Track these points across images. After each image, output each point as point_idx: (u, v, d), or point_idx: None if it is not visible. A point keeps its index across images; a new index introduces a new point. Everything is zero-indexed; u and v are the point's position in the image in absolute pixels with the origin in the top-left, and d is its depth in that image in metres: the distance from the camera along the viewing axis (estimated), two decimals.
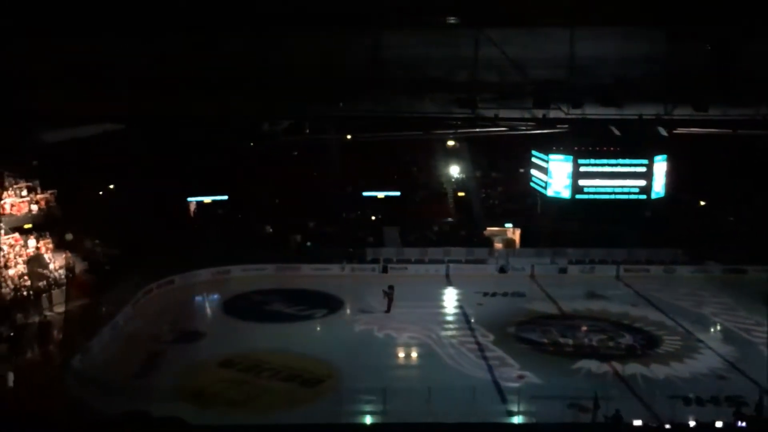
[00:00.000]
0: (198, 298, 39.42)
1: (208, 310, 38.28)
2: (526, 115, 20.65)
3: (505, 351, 30.86)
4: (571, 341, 32.21)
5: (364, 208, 49.31)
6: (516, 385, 26.76)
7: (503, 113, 20.43)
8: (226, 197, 48.26)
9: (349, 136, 42.43)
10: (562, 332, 33.36)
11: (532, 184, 29.21)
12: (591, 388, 24.57)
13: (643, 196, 25.27)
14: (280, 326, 34.54)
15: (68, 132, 35.96)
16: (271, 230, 46.42)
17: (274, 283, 41.45)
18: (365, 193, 49.96)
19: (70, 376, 26.03)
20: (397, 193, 50.34)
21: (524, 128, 23.48)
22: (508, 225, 48.33)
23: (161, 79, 18.20)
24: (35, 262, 35.04)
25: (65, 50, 17.41)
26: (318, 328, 34.75)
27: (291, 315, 36.29)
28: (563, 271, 44.46)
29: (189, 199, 47.74)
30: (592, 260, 45.17)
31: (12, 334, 29.03)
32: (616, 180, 25.47)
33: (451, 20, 18.26)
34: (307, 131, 29.64)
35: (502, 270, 44.19)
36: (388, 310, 35.86)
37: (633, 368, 28.81)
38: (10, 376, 25.16)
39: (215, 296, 39.61)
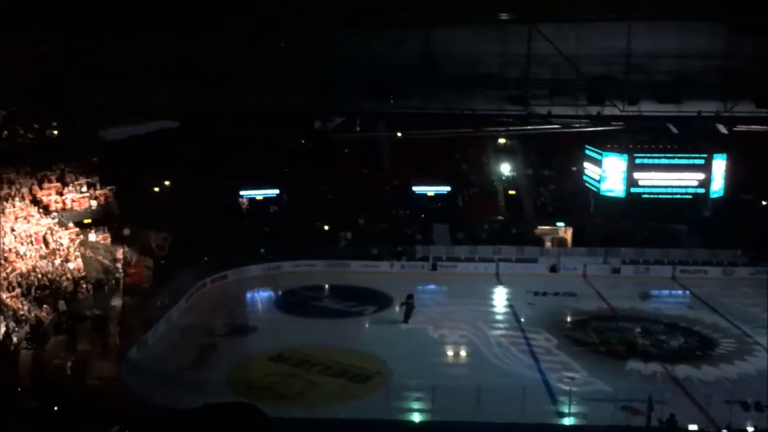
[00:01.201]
0: (250, 293, 40.01)
1: (260, 305, 38.83)
2: (580, 112, 20.29)
3: (556, 351, 30.47)
4: (623, 342, 31.56)
5: (414, 205, 49.22)
6: (567, 386, 26.38)
7: (556, 110, 20.11)
8: (276, 192, 48.78)
9: (399, 134, 42.37)
10: (615, 333, 32.73)
11: (585, 182, 28.75)
12: (644, 391, 24.07)
13: (702, 190, 24.59)
14: (330, 322, 34.82)
15: (126, 130, 36.97)
16: (326, 228, 46.38)
17: (323, 279, 41.79)
18: (416, 189, 49.83)
19: (127, 368, 26.76)
20: (447, 190, 50.08)
21: (578, 125, 23.06)
22: (560, 224, 47.65)
23: (217, 76, 18.52)
24: (91, 249, 35.92)
25: (126, 47, 17.87)
26: (367, 325, 34.89)
27: (341, 311, 36.54)
28: (616, 271, 43.59)
29: (241, 194, 48.39)
30: (646, 261, 44.14)
31: (71, 325, 29.97)
32: (672, 178, 24.90)
33: (503, 16, 18.10)
34: (358, 128, 29.69)
35: (554, 269, 43.58)
36: (405, 321, 33.73)
37: (687, 371, 28.13)
38: (69, 367, 26.05)
39: (266, 291, 40.15)
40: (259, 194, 48.82)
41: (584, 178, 28.79)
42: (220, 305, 36.35)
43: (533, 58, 18.10)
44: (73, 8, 15.47)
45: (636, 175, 25.01)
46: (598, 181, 26.52)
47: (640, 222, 45.75)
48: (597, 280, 42.12)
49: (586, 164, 28.63)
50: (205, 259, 39.61)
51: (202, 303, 36.81)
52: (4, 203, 36.59)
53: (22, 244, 34.56)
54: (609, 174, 25.81)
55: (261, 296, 39.82)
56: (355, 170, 51.11)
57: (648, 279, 42.49)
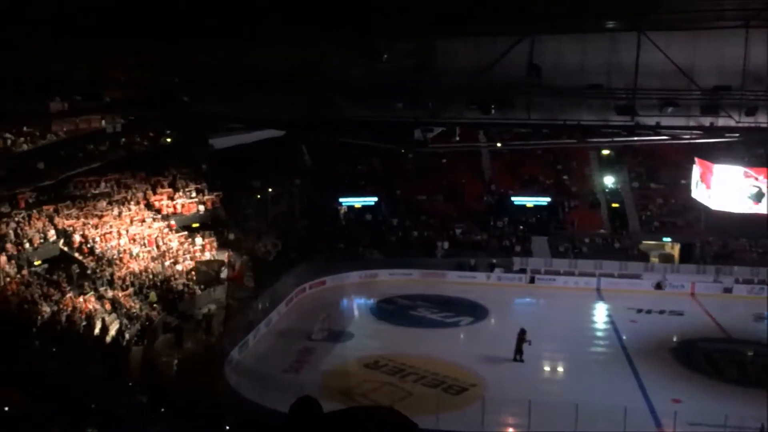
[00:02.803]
0: (347, 300, 40.59)
1: (356, 312, 39.32)
2: (691, 123, 19.43)
3: (660, 372, 29.18)
4: (734, 365, 29.86)
5: (513, 216, 48.56)
6: (672, 409, 25.19)
7: (665, 121, 19.35)
8: (374, 200, 49.30)
9: (499, 144, 41.99)
10: (725, 355, 31.01)
11: (694, 196, 27.45)
12: (755, 418, 22.65)
13: None
14: (426, 331, 34.79)
15: (234, 138, 38.41)
16: (445, 246, 45.98)
17: (419, 288, 41.83)
18: (515, 200, 49.16)
19: (229, 367, 27.71)
20: (547, 201, 49.11)
21: (688, 137, 22.07)
22: (667, 239, 45.76)
23: (324, 86, 18.97)
24: (206, 265, 37.44)
25: (238, 58, 18.61)
26: (462, 336, 34.64)
27: (436, 321, 36.46)
28: (728, 290, 41.31)
29: (340, 201, 49.22)
30: (762, 280, 41.61)
31: (179, 324, 31.38)
32: None
33: (610, 24, 17.63)
34: (457, 138, 29.62)
35: (659, 286, 41.80)
36: (517, 358, 29.76)
37: None
38: (176, 364, 27.28)
39: (363, 298, 40.61)
40: (357, 202, 49.50)
41: (694, 192, 27.51)
42: (317, 310, 37.07)
43: (642, 68, 17.51)
44: (189, 21, 16.24)
45: (751, 195, 23.66)
46: (709, 196, 25.26)
47: (755, 239, 43.29)
48: (706, 299, 40.07)
49: (695, 177, 27.35)
50: (306, 264, 40.54)
51: (300, 307, 37.67)
52: (121, 207, 38.84)
53: (136, 245, 36.53)
54: (721, 188, 24.54)
55: (358, 303, 40.32)
56: (454, 180, 51.01)
57: (763, 300, 40.00)
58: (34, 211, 34.69)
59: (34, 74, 21.65)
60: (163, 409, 19.27)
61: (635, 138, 23.68)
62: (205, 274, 36.24)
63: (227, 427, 19.39)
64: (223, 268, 37.30)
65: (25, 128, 33.75)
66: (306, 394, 4.45)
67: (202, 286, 35.63)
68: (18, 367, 19.55)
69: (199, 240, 39.68)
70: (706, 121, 19.03)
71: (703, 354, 31.36)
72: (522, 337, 29.72)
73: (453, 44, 17.85)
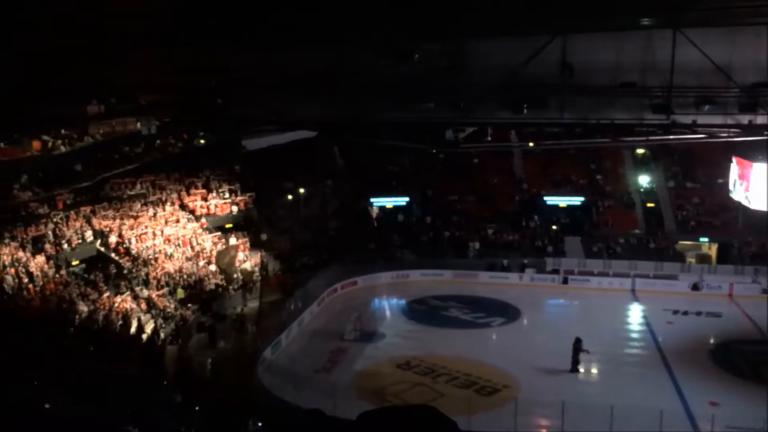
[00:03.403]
0: (379, 300, 40.65)
1: (388, 312, 39.35)
2: (729, 121, 19.05)
3: (697, 374, 28.70)
4: None
5: (545, 216, 48.14)
6: (709, 412, 24.74)
7: (702, 119, 19.00)
8: (405, 200, 49.26)
9: (531, 143, 41.66)
10: (764, 358, 30.34)
11: (732, 195, 26.95)
12: None
13: None
14: (458, 332, 34.68)
15: (267, 139, 38.74)
16: (477, 246, 45.62)
17: (451, 288, 41.69)
18: (547, 200, 48.72)
19: (262, 367, 27.94)
20: (580, 201, 48.57)
21: (726, 135, 21.64)
22: (704, 239, 44.96)
23: (354, 86, 19.01)
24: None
25: (272, 61, 18.75)
26: (495, 337, 34.46)
27: (468, 321, 36.32)
28: (767, 291, 40.45)
29: (372, 201, 49.27)
30: None
31: (212, 324, 31.73)
32: None
33: (645, 21, 17.36)
34: (489, 138, 29.47)
35: (696, 287, 41.06)
36: (574, 369, 28.54)
37: None
38: (209, 364, 27.57)
39: (395, 299, 40.63)
40: (388, 202, 49.52)
41: (731, 191, 27.01)
42: (349, 311, 37.17)
43: (677, 65, 17.21)
44: (224, 25, 16.42)
45: None
46: (748, 195, 24.79)
47: None
48: (744, 300, 39.26)
49: (733, 176, 26.85)
50: (337, 264, 40.70)
51: (332, 307, 37.81)
52: (156, 208, 39.42)
53: (170, 246, 37.04)
54: (760, 187, 24.05)
55: (389, 303, 40.35)
56: (485, 180, 50.77)
57: None
58: (72, 212, 35.40)
59: (72, 79, 22.08)
60: (197, 408, 19.47)
61: (671, 137, 23.31)
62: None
63: (260, 424, 19.50)
64: (255, 267, 37.67)
65: (62, 131, 34.47)
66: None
67: (235, 287, 35.99)
68: (59, 366, 19.95)
69: (232, 240, 40.07)
70: (744, 118, 18.66)
71: (741, 356, 30.73)
72: (578, 346, 28.43)
73: (485, 44, 17.74)
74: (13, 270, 28.73)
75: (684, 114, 18.43)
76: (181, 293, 33.13)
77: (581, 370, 28.55)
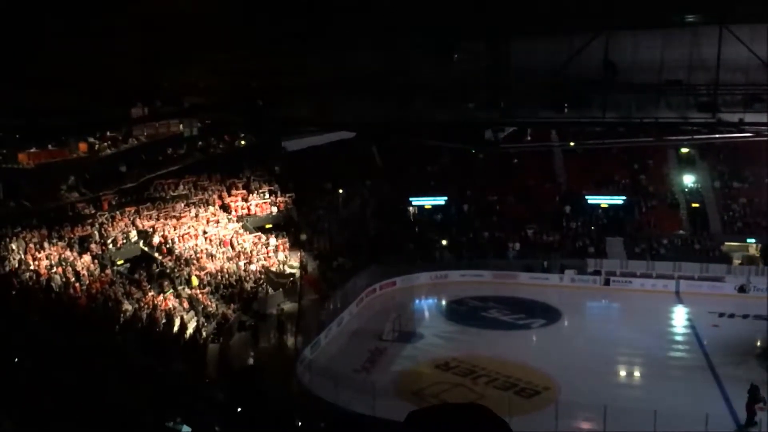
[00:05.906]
0: (417, 300, 40.59)
1: (427, 313, 39.27)
2: None
3: (744, 378, 27.86)
4: None
5: (586, 217, 47.47)
6: (757, 417, 24.13)
7: (749, 117, 18.56)
8: (444, 200, 49.08)
9: (572, 143, 41.14)
10: None
11: None
12: None
13: None
14: (497, 333, 34.45)
15: (307, 140, 38.98)
16: (517, 247, 45.19)
17: (491, 289, 41.42)
18: (589, 200, 48.02)
19: (302, 366, 28.15)
20: (622, 201, 47.76)
21: None
22: (751, 240, 43.85)
23: (406, 88, 19.05)
24: (276, 276, 38.14)
25: (317, 64, 18.93)
26: (535, 338, 34.14)
27: (508, 323, 36.04)
28: None
29: (411, 201, 49.18)
30: None
31: (254, 323, 32.07)
32: None
33: (691, 18, 17.04)
34: (528, 138, 29.23)
35: (742, 289, 40.07)
36: (748, 426, 23.42)
37: None
38: (251, 361, 27.87)
39: (433, 299, 40.54)
40: (427, 202, 49.39)
41: None
42: (388, 311, 37.21)
43: (724, 62, 16.85)
44: (268, 28, 16.61)
45: None
46: None
47: None
48: None
49: None
50: (376, 265, 40.76)
51: (371, 308, 37.89)
52: (198, 208, 40.02)
53: (212, 246, 37.54)
54: None
55: (428, 304, 40.27)
56: (525, 180, 50.31)
57: None
58: (117, 212, 36.16)
59: (117, 82, 22.58)
60: (239, 408, 19.74)
61: (717, 135, 22.85)
62: (275, 282, 36.86)
63: (299, 423, 19.70)
64: (295, 268, 37.93)
65: (108, 133, 35.24)
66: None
67: (276, 284, 36.28)
68: (108, 362, 20.40)
69: (272, 240, 40.44)
70: None
71: None
72: (755, 394, 23.33)
73: (527, 43, 17.62)
74: (60, 269, 29.48)
75: (730, 112, 18.05)
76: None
77: (757, 421, 23.19)
